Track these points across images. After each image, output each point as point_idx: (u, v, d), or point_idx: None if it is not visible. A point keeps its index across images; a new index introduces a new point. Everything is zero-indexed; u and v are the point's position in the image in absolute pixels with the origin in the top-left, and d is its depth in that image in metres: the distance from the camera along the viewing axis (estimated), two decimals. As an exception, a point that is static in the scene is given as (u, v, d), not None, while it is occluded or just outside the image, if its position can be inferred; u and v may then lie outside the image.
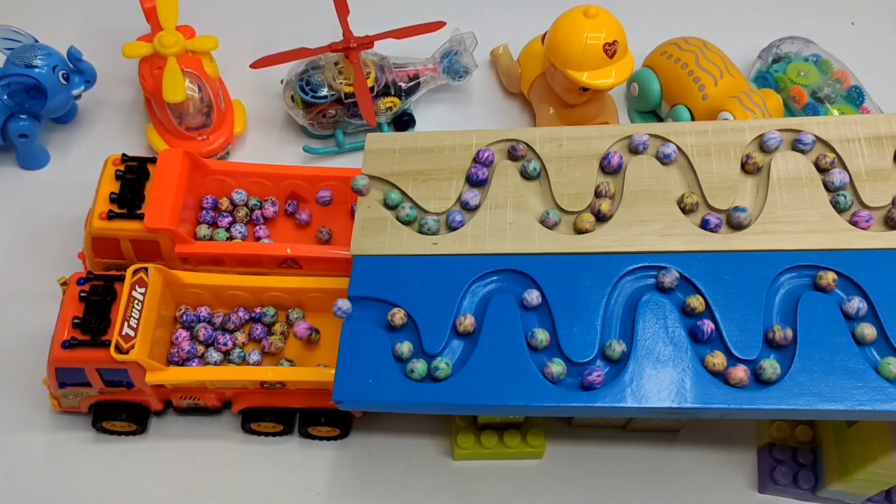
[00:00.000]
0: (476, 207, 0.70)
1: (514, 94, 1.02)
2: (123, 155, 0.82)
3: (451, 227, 0.70)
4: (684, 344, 0.63)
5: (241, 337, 0.79)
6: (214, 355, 0.78)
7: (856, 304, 0.62)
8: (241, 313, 0.80)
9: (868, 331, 0.62)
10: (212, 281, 0.79)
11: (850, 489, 0.73)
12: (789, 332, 0.62)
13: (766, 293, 0.64)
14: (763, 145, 0.70)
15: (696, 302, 0.64)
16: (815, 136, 0.70)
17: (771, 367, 0.60)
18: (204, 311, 0.79)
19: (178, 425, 0.80)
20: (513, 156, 0.72)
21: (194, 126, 0.93)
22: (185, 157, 0.82)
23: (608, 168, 0.70)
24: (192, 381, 0.75)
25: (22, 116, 0.89)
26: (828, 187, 0.68)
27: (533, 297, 0.65)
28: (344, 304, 0.66)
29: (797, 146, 0.70)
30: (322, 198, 0.84)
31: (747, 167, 0.69)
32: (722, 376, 0.61)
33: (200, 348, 0.78)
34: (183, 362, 0.77)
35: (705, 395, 0.61)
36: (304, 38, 0.95)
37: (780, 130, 0.70)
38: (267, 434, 0.79)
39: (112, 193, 0.80)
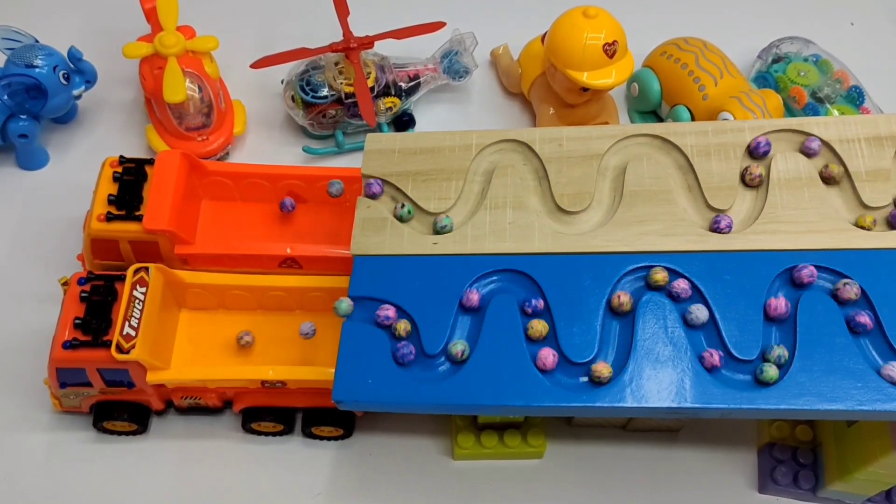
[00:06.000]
0: None
1: (514, 94, 1.02)
2: (121, 157, 0.82)
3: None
4: (684, 344, 0.63)
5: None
6: None
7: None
8: None
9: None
10: (213, 280, 0.79)
11: (851, 489, 0.73)
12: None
13: (766, 293, 0.64)
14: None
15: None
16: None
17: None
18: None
19: (178, 425, 0.80)
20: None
21: (194, 126, 0.93)
22: (183, 158, 0.82)
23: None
24: (192, 381, 0.75)
25: (22, 116, 0.89)
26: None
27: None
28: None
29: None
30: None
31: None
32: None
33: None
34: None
35: (705, 395, 0.61)
36: (304, 39, 0.95)
37: (780, 131, 0.71)
38: (268, 434, 0.79)
39: (110, 195, 0.80)
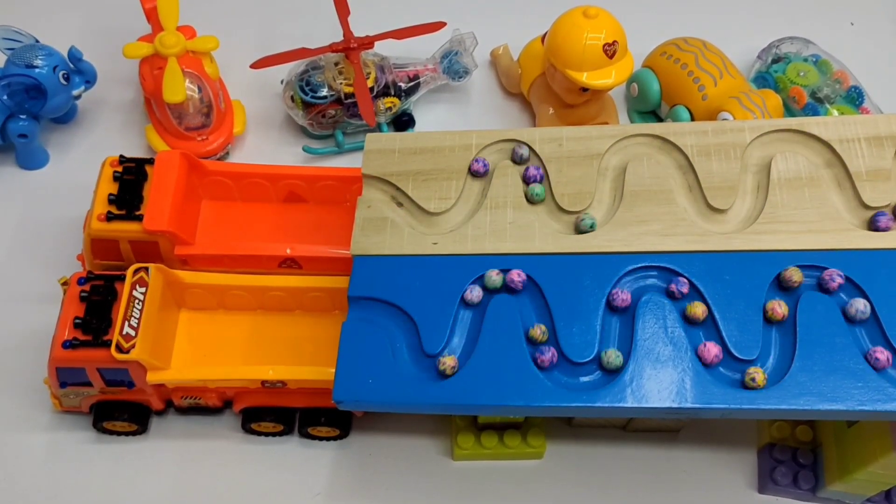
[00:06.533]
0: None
1: (514, 94, 1.02)
2: (121, 156, 0.82)
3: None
4: (684, 344, 0.63)
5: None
6: None
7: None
8: None
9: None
10: (213, 281, 0.79)
11: (851, 489, 0.73)
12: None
13: (766, 293, 0.64)
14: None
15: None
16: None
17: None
18: None
19: (178, 425, 0.80)
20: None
21: (194, 126, 0.93)
22: (183, 158, 0.82)
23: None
24: (192, 381, 0.75)
25: (21, 116, 0.89)
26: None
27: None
28: None
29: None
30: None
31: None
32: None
33: None
34: None
35: (705, 395, 0.61)
36: (304, 39, 0.95)
37: (780, 131, 0.71)
38: (267, 434, 0.79)
39: (110, 195, 0.80)
